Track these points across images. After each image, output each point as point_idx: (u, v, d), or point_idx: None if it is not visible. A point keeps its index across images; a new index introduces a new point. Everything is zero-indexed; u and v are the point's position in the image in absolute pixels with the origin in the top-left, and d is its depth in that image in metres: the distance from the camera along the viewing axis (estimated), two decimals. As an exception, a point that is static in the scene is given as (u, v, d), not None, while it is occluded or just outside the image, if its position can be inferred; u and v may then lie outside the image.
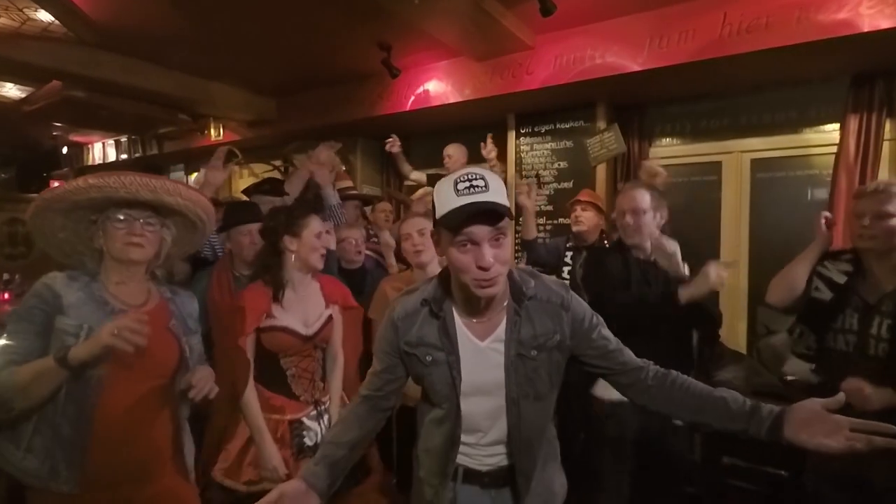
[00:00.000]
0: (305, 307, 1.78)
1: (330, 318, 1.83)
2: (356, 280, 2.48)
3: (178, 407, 1.47)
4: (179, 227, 1.52)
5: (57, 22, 2.60)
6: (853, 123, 3.00)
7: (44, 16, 2.54)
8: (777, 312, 3.31)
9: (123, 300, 1.41)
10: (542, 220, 3.92)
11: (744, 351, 3.34)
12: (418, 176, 4.03)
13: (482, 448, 1.22)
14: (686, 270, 1.97)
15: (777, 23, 2.57)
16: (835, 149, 3.08)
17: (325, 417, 1.79)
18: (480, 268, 1.03)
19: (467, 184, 1.03)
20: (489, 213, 1.02)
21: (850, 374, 1.55)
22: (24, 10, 2.44)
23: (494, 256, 1.03)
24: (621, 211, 2.04)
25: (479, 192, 1.02)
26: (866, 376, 1.51)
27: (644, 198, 1.99)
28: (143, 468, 1.40)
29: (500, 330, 1.16)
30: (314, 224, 1.77)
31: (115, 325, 1.19)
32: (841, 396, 0.99)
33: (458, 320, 1.17)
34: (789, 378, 2.96)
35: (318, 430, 1.75)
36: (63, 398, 1.31)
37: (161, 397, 1.42)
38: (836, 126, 3.11)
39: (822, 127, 3.22)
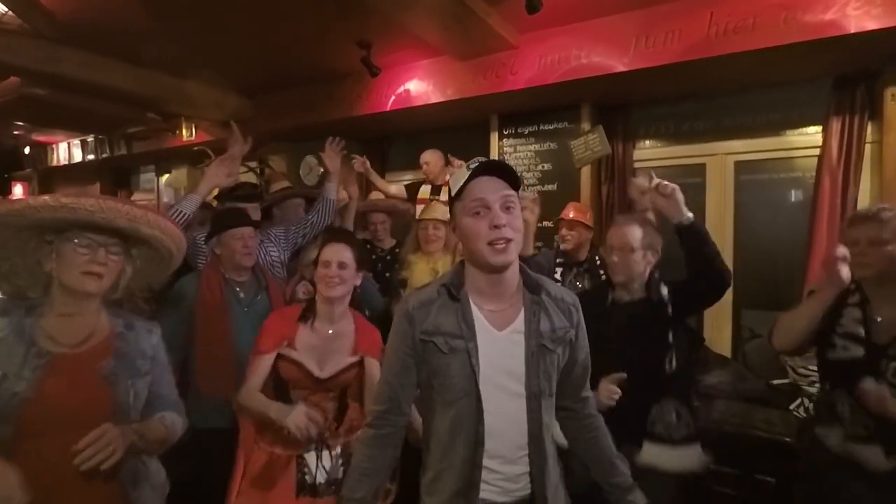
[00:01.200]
0: (329, 348, 1.71)
1: (353, 365, 1.73)
2: None
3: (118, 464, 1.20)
4: (144, 258, 1.37)
5: (11, 13, 2.41)
6: (836, 126, 3.01)
7: (-3, 6, 2.37)
8: (762, 315, 3.37)
9: (59, 339, 1.24)
10: (526, 223, 3.87)
11: (729, 355, 3.33)
12: (398, 189, 3.82)
13: (506, 466, 1.15)
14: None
15: (764, 23, 2.55)
16: (818, 151, 3.09)
17: (332, 456, 1.69)
18: (494, 227, 1.07)
19: (477, 162, 1.12)
20: (499, 171, 1.11)
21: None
22: (-27, -1, 2.27)
23: (507, 222, 1.08)
24: (609, 247, 1.89)
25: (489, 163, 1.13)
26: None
27: (635, 235, 1.84)
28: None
29: (519, 321, 1.16)
30: (326, 252, 1.71)
31: None
32: None
33: (476, 309, 1.16)
34: (775, 383, 2.95)
35: (321, 467, 1.66)
36: None
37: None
38: (819, 128, 3.12)
39: (805, 129, 3.22)
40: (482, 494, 1.14)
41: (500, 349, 1.14)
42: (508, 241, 1.08)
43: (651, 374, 1.80)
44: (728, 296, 3.41)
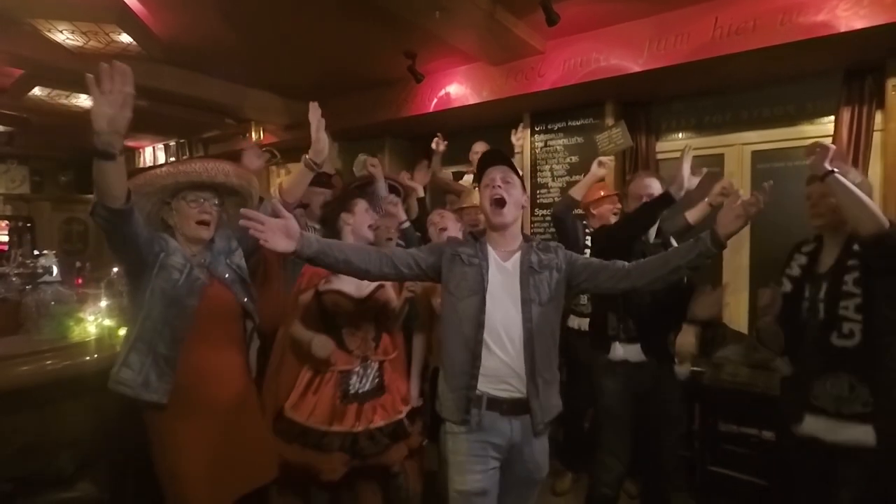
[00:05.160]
0: None
1: (381, 285, 2.08)
2: None
3: (244, 341, 1.89)
4: (233, 205, 1.86)
5: (134, 43, 3.07)
6: (846, 116, 3.18)
7: (125, 38, 3.02)
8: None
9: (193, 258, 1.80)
10: (555, 211, 4.21)
11: (745, 331, 3.56)
12: (446, 174, 4.21)
13: (503, 353, 1.57)
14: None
15: (763, 25, 2.82)
16: (830, 140, 3.24)
17: (370, 371, 2.06)
18: (493, 187, 1.63)
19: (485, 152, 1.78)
20: (497, 159, 1.70)
21: (805, 342, 1.81)
22: (110, 34, 2.93)
23: (503, 186, 1.63)
24: (635, 195, 2.27)
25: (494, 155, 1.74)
26: (816, 339, 1.78)
27: (655, 184, 2.27)
28: (217, 386, 1.76)
29: (517, 257, 1.69)
30: (362, 203, 2.20)
31: None
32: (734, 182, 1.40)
33: (490, 249, 1.70)
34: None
35: (362, 380, 2.02)
36: (161, 325, 1.67)
37: (227, 336, 1.82)
38: (831, 118, 3.29)
39: (817, 119, 3.41)
40: (482, 387, 1.57)
41: (503, 272, 1.66)
42: (502, 199, 1.61)
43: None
44: (745, 274, 3.66)
